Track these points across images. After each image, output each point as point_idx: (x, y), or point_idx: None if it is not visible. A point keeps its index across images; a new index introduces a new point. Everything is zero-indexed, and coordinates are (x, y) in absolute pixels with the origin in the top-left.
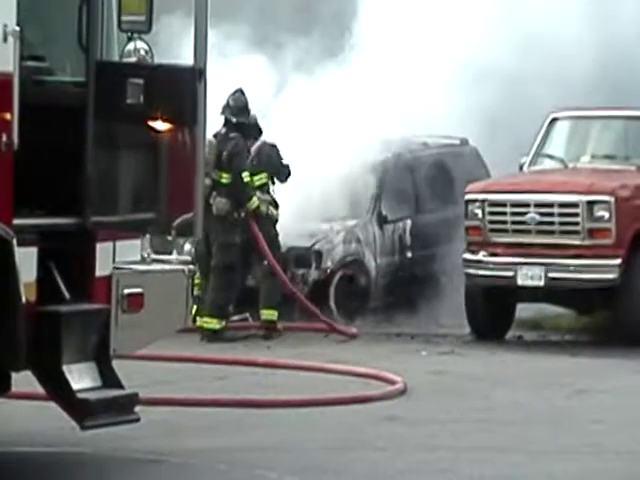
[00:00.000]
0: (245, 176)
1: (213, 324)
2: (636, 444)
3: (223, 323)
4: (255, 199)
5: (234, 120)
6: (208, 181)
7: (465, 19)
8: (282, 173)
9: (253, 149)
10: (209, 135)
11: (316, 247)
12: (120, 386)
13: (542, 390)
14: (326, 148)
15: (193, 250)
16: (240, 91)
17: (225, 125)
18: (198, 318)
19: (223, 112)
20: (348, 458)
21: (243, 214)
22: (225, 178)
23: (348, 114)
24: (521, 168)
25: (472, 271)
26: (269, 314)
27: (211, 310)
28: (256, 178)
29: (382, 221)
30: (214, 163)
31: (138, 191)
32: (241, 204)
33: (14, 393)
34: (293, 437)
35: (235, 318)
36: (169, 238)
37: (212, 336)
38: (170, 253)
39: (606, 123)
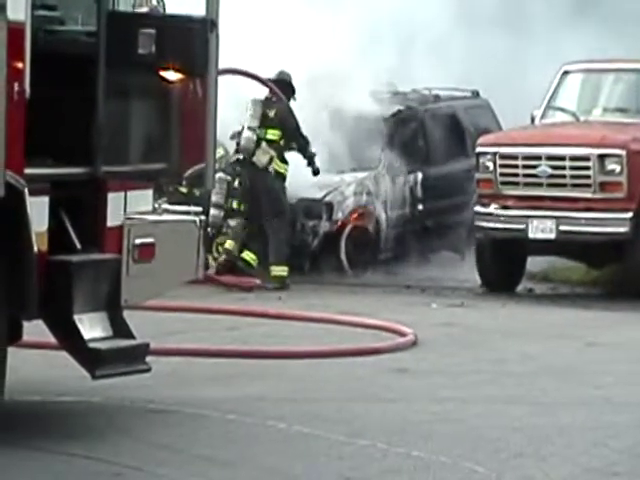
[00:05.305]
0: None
1: None
2: None
3: None
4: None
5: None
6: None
7: None
8: (300, 143)
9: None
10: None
11: (327, 199)
12: (131, 336)
13: (552, 342)
14: (338, 100)
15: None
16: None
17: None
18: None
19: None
20: (358, 409)
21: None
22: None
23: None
24: (533, 121)
25: (483, 224)
26: (280, 270)
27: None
28: (270, 132)
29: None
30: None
31: (149, 141)
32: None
33: (25, 342)
34: (303, 388)
35: None
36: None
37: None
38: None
39: (618, 76)
